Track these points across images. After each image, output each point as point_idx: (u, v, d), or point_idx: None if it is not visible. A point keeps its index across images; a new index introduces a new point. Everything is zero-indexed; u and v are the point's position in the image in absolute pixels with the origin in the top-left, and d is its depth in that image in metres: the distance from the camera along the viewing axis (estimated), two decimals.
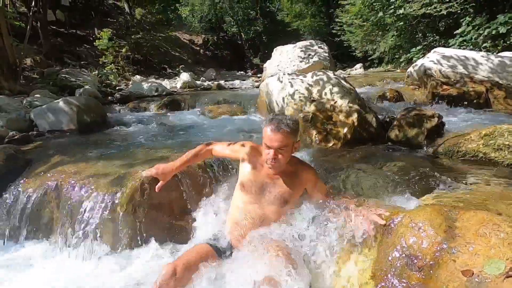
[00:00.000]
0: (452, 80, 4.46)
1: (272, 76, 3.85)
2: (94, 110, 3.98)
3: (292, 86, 3.25)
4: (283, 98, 3.30)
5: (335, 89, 3.09)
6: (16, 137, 3.20)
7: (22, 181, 2.30)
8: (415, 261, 1.38)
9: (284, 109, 3.27)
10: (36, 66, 7.69)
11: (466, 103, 4.14)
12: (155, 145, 2.86)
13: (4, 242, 2.07)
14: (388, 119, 3.23)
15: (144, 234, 1.86)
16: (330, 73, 3.27)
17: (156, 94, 6.23)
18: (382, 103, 4.36)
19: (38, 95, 5.04)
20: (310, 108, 3.01)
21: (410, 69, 5.15)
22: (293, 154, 1.70)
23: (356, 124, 2.86)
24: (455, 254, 1.28)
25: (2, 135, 3.27)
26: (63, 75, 6.58)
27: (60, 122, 3.71)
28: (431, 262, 1.34)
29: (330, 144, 2.85)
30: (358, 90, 5.11)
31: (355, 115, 2.89)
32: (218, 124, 4.02)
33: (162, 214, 1.99)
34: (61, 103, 3.80)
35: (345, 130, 2.84)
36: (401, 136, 2.80)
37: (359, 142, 2.85)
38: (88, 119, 3.80)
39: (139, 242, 1.83)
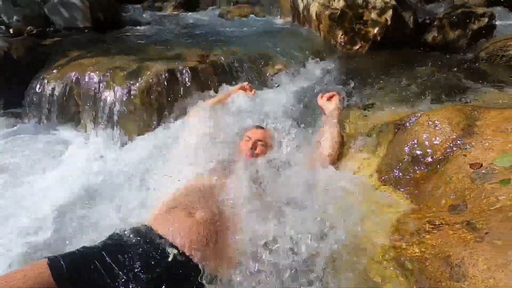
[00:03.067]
0: None
1: None
2: (107, 7, 3.77)
3: None
4: None
5: None
6: (33, 32, 3.17)
7: (45, 73, 2.38)
8: (424, 157, 1.38)
9: (309, 6, 2.91)
10: None
11: None
12: (170, 43, 2.76)
13: (40, 124, 2.30)
14: (428, 21, 2.83)
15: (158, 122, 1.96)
16: None
17: None
18: (426, 4, 3.74)
19: None
20: (339, 3, 2.65)
21: None
22: None
23: (389, 23, 2.53)
24: (468, 149, 1.25)
25: (21, 30, 3.25)
26: None
27: (75, 18, 3.58)
28: (440, 158, 1.33)
29: (356, 47, 2.60)
30: None
31: (389, 13, 2.53)
32: (236, 25, 3.72)
33: (175, 104, 2.02)
34: None
35: (376, 30, 2.54)
36: (440, 39, 2.49)
37: (390, 45, 2.58)
38: (101, 17, 3.63)
39: (155, 127, 1.93)
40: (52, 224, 1.38)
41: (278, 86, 2.19)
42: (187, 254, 0.92)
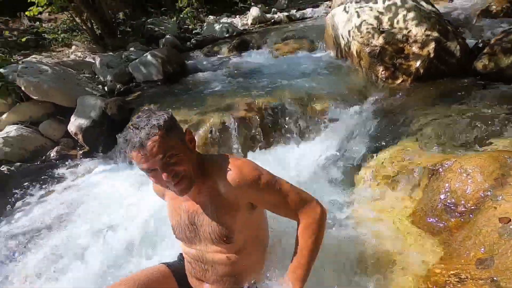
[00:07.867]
0: None
1: (340, 5, 3.50)
2: (175, 60, 4.48)
3: (359, 16, 2.94)
4: (349, 31, 3.05)
5: (410, 14, 2.68)
6: (121, 89, 3.99)
7: None
8: (457, 206, 1.41)
9: (350, 43, 3.06)
10: (127, 19, 8.63)
11: None
12: (223, 92, 3.20)
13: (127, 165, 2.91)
14: (481, 45, 2.70)
15: None
16: None
17: (227, 35, 6.42)
18: (483, 19, 3.52)
19: (132, 49, 5.86)
20: (378, 40, 2.75)
21: None
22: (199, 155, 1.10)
23: (432, 55, 2.52)
24: (499, 201, 1.26)
25: (112, 88, 4.12)
26: (149, 26, 7.29)
27: (151, 73, 4.36)
28: (472, 207, 1.35)
29: (398, 82, 2.64)
30: (452, 5, 4.19)
31: (431, 45, 2.53)
32: (283, 63, 4.04)
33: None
34: (149, 56, 4.39)
35: (418, 63, 2.56)
36: (491, 66, 2.37)
37: (435, 77, 2.55)
38: (170, 69, 4.33)
39: None
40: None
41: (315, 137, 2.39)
42: None
